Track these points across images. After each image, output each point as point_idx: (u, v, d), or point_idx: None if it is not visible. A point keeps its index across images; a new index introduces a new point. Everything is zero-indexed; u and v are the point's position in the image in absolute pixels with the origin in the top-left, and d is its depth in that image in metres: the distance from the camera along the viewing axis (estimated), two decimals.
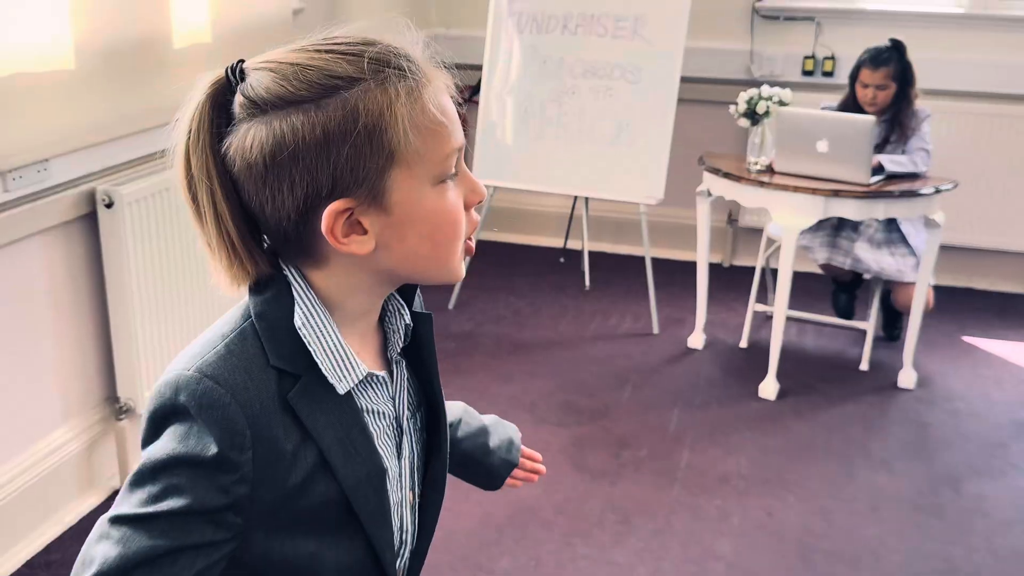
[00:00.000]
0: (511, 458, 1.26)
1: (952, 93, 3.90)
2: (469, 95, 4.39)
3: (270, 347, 0.85)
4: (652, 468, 2.78)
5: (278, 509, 0.85)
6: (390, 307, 0.96)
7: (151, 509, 0.80)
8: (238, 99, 0.83)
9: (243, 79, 0.84)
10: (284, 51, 0.85)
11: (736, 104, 3.26)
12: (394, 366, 0.96)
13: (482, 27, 4.26)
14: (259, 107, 0.82)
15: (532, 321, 3.75)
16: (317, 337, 0.87)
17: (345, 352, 0.88)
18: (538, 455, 1.33)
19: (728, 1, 4.05)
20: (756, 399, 3.19)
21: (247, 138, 0.82)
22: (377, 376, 0.93)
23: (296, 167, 0.81)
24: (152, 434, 0.84)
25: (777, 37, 4.08)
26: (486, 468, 1.24)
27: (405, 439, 0.97)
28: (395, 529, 0.96)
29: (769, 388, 3.19)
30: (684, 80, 3.54)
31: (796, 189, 3.02)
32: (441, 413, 1.00)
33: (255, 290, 0.88)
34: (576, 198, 4.08)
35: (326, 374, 0.87)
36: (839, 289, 3.61)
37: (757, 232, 4.16)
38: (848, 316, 3.61)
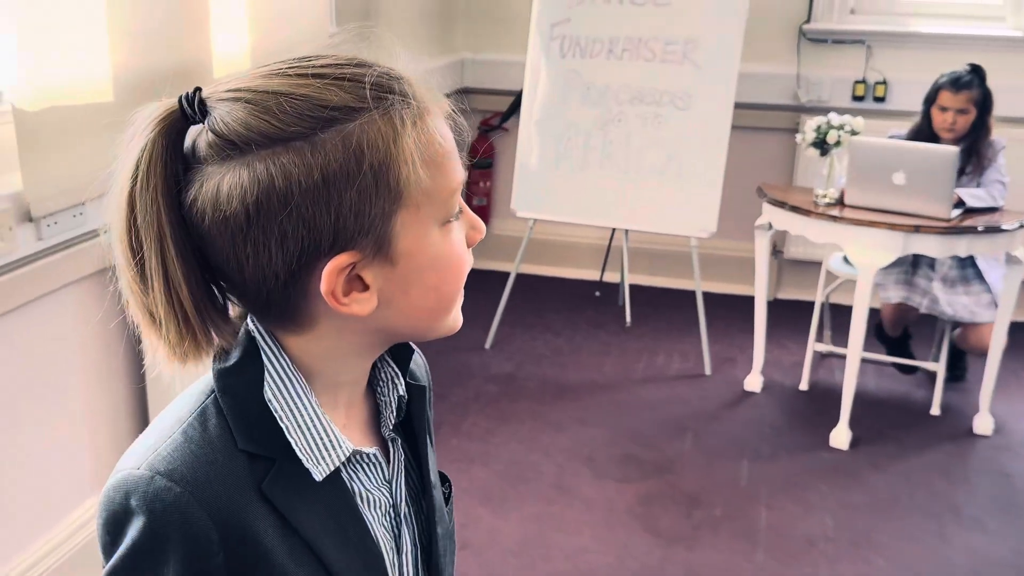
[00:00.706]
0: None
1: (1011, 120, 3.73)
2: (499, 122, 4.18)
3: (237, 427, 0.73)
4: (730, 530, 2.57)
5: None
6: (383, 374, 0.84)
7: None
8: (205, 137, 0.70)
9: (203, 111, 0.71)
10: (253, 77, 0.72)
11: (803, 133, 3.06)
12: (390, 445, 0.84)
13: (512, 51, 4.08)
14: (236, 146, 0.69)
15: (574, 361, 3.53)
16: (291, 411, 0.75)
17: (324, 428, 0.75)
18: None
19: (773, 23, 3.86)
20: (827, 449, 2.98)
21: (222, 185, 0.69)
22: (368, 455, 0.81)
23: (289, 219, 0.68)
24: (110, 544, 0.72)
25: (825, 61, 3.91)
26: None
27: (405, 530, 0.84)
28: None
29: (841, 437, 2.98)
30: None
31: (873, 224, 2.83)
32: (431, 504, 0.87)
33: (218, 358, 0.76)
34: (614, 229, 3.88)
35: (300, 455, 0.74)
36: (889, 348, 3.38)
37: (805, 264, 3.97)
38: (904, 355, 3.40)
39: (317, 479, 0.75)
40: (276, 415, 0.74)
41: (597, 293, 4.14)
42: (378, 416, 0.84)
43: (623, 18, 3.40)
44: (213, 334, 0.74)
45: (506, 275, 4.12)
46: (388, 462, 0.83)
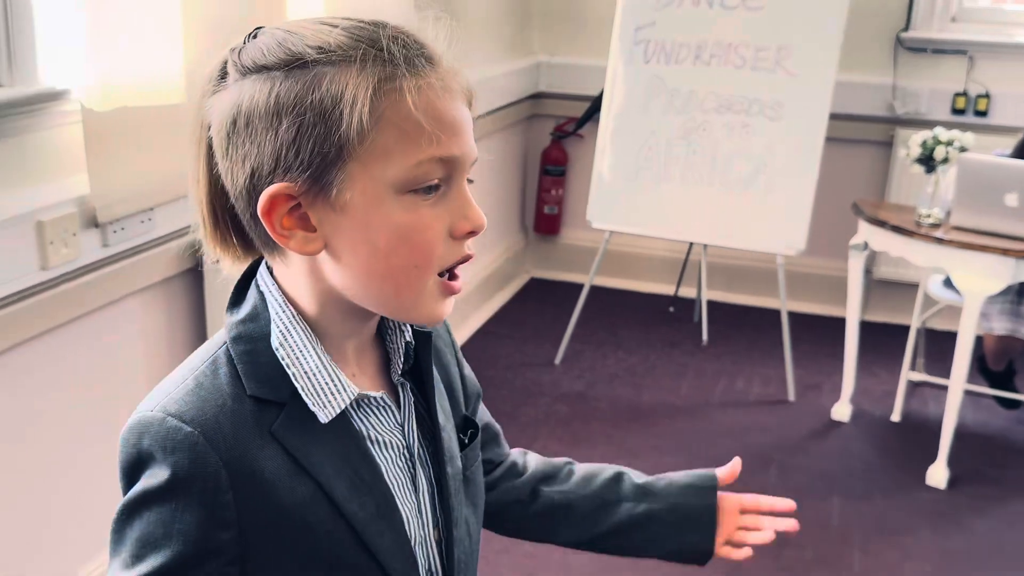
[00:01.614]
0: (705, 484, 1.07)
1: None
2: (574, 128, 4.03)
3: (247, 373, 0.77)
4: (822, 574, 2.38)
5: (277, 548, 0.77)
6: (390, 322, 0.86)
7: (133, 573, 0.75)
8: (228, 62, 0.77)
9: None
10: (303, 20, 0.79)
11: (908, 148, 2.86)
12: (400, 390, 0.86)
13: (590, 55, 3.92)
14: (240, 71, 0.76)
15: (648, 381, 3.36)
16: (297, 358, 0.78)
17: (329, 373, 0.79)
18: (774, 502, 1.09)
19: (869, 30, 3.65)
20: (924, 487, 2.78)
21: (220, 101, 0.76)
22: (376, 399, 0.83)
23: (249, 138, 0.74)
24: (127, 484, 0.77)
25: (924, 71, 3.68)
26: (658, 522, 1.03)
27: (420, 471, 0.86)
28: (422, 570, 0.85)
29: (939, 475, 2.78)
30: None
31: (984, 248, 2.62)
32: (440, 447, 0.87)
33: (233, 305, 0.81)
34: (692, 242, 3.70)
35: (306, 400, 0.78)
36: (992, 382, 3.15)
37: (897, 286, 3.75)
38: (1007, 390, 3.18)
39: (323, 421, 0.77)
40: (283, 363, 0.77)
41: (671, 309, 3.96)
42: (389, 363, 0.86)
43: (712, 22, 3.22)
44: (229, 244, 0.81)
45: (575, 287, 3.96)
46: (400, 406, 0.85)
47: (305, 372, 0.78)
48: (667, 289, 4.06)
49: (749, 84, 3.19)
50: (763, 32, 3.18)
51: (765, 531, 1.07)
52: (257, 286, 0.81)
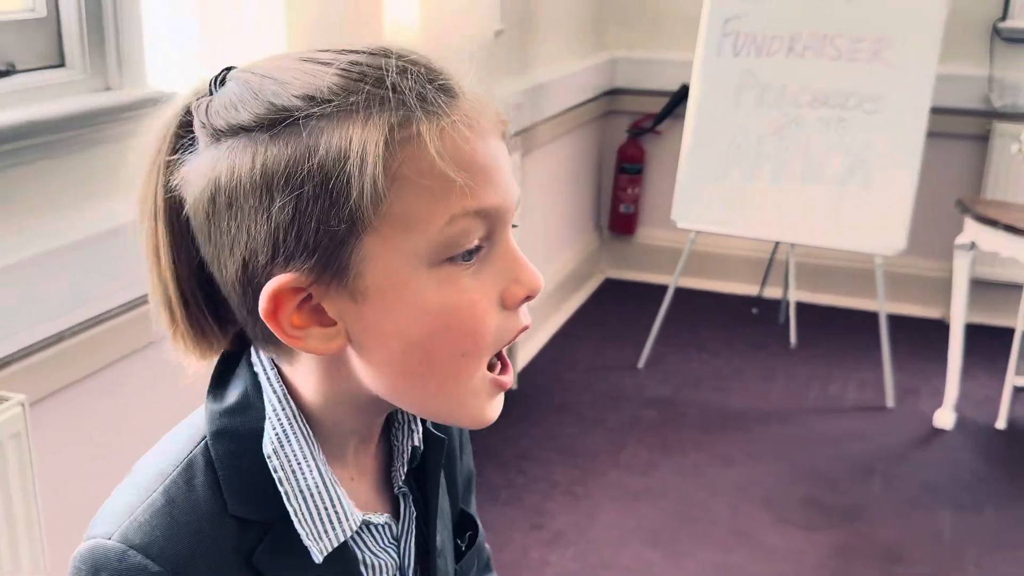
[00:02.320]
0: None
1: None
2: (652, 124, 3.93)
3: (229, 486, 0.62)
4: None
5: None
6: (399, 415, 0.72)
7: None
8: (195, 121, 0.63)
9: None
10: (285, 56, 0.63)
11: (1020, 142, 2.72)
12: (400, 500, 0.72)
13: (669, 49, 3.82)
14: (210, 134, 0.61)
15: (736, 385, 3.25)
16: (293, 472, 0.63)
17: (331, 496, 0.64)
18: None
19: (964, 20, 3.50)
20: None
21: (191, 174, 0.62)
22: (378, 525, 0.70)
23: (233, 219, 0.60)
24: None
25: (1022, 62, 3.52)
26: None
27: None
28: None
29: None
30: None
31: None
32: (432, 571, 0.73)
33: (216, 387, 0.66)
34: (778, 241, 3.58)
35: (299, 529, 0.63)
36: None
37: (1000, 286, 3.59)
38: None
39: (317, 560, 0.64)
40: (275, 476, 0.63)
41: (755, 310, 3.84)
42: (391, 463, 0.73)
43: (806, 13, 3.10)
44: (210, 333, 0.66)
45: (653, 287, 3.87)
46: (398, 519, 0.72)
47: (300, 492, 0.64)
48: (749, 289, 3.95)
49: (845, 77, 3.06)
50: (860, 23, 3.05)
51: None
52: (249, 365, 0.67)
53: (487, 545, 0.92)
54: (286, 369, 0.66)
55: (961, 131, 3.58)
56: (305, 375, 0.66)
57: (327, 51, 0.62)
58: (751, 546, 2.41)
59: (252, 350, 0.68)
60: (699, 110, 3.22)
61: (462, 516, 0.81)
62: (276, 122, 0.59)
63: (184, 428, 0.68)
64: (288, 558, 0.64)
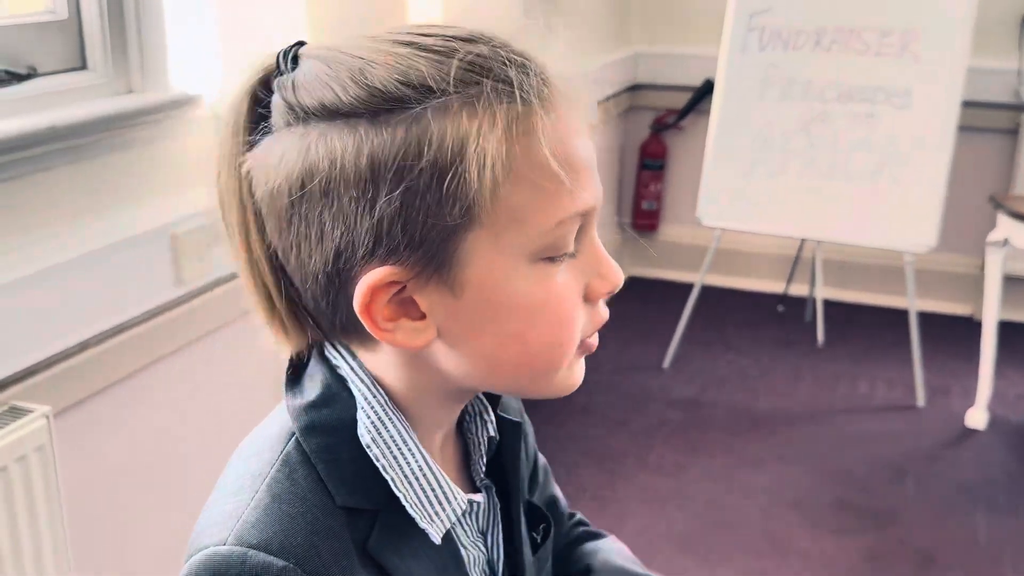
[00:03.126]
0: None
1: None
2: (675, 120, 3.88)
3: (332, 478, 0.61)
4: None
5: None
6: (470, 407, 0.72)
7: None
8: (275, 98, 0.60)
9: (295, 69, 0.60)
10: (361, 38, 0.60)
11: None
12: (485, 492, 0.72)
13: (692, 43, 3.77)
14: (296, 113, 0.58)
15: (763, 385, 3.21)
16: (395, 458, 0.62)
17: (436, 478, 0.64)
18: None
19: (992, 13, 3.43)
20: None
21: (271, 154, 0.59)
22: (475, 504, 0.70)
23: (328, 209, 0.57)
24: None
25: None
26: None
27: None
28: None
29: None
30: None
31: None
32: (520, 562, 0.73)
33: (293, 384, 0.65)
34: (804, 238, 3.53)
35: (412, 513, 0.62)
36: None
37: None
38: None
39: (436, 541, 0.63)
40: (378, 464, 0.62)
41: (780, 308, 3.79)
42: (467, 457, 0.72)
43: (833, 6, 3.05)
44: (293, 324, 0.64)
45: (677, 285, 3.83)
46: (481, 513, 0.72)
47: (406, 476, 0.63)
48: (774, 287, 3.90)
49: (873, 71, 3.01)
50: (888, 16, 2.99)
51: None
52: (324, 359, 0.65)
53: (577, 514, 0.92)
54: (367, 359, 0.65)
55: (991, 125, 3.52)
56: (387, 365, 0.64)
57: (411, 31, 0.60)
58: (783, 551, 2.37)
59: (326, 344, 0.66)
60: (724, 105, 3.17)
61: (532, 511, 0.79)
62: (382, 109, 0.57)
63: (264, 430, 0.66)
64: (402, 544, 0.63)
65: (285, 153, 0.59)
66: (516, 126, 0.57)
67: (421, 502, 0.63)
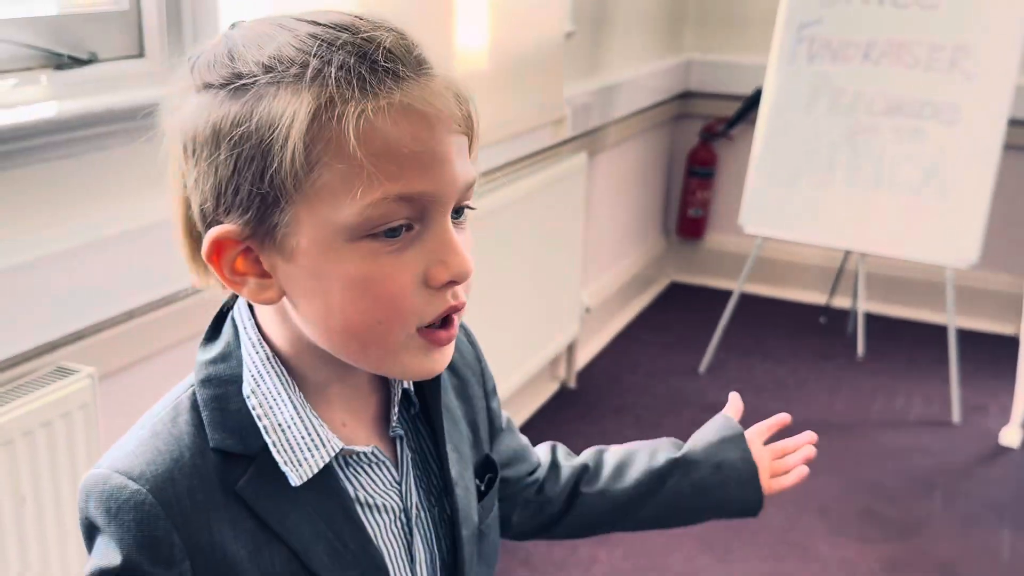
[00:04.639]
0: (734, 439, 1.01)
1: None
2: (724, 129, 3.91)
3: (212, 422, 0.67)
4: None
5: None
6: None
7: None
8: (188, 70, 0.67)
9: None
10: (286, 17, 0.66)
11: None
12: (398, 444, 0.75)
13: (744, 52, 3.80)
14: (194, 83, 0.66)
15: (799, 395, 3.22)
16: (269, 407, 0.67)
17: (306, 425, 0.68)
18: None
19: None
20: None
21: (179, 113, 0.66)
22: (367, 454, 0.72)
23: (195, 166, 0.65)
24: (88, 551, 0.68)
25: None
26: (702, 487, 0.96)
27: (418, 538, 0.75)
28: None
29: None
30: None
31: None
32: (453, 505, 0.76)
33: (207, 340, 0.71)
34: (848, 250, 3.53)
35: (277, 458, 0.67)
36: None
37: None
38: None
39: (294, 484, 0.67)
40: (254, 413, 0.68)
41: (822, 319, 3.79)
42: (389, 410, 0.75)
43: (883, 20, 3.06)
44: (201, 268, 0.69)
45: (719, 293, 3.85)
46: (399, 464, 0.75)
47: (278, 424, 0.68)
48: (817, 298, 3.90)
49: (922, 85, 3.01)
50: (938, 30, 2.99)
51: (796, 470, 1.03)
52: (232, 319, 0.72)
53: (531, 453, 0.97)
54: (259, 315, 0.71)
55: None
56: (269, 322, 0.71)
57: (304, 19, 0.66)
58: (803, 556, 2.39)
59: (238, 303, 0.73)
60: (771, 115, 3.20)
61: (485, 462, 0.84)
62: (233, 82, 0.64)
63: (180, 384, 0.73)
64: (270, 486, 0.67)
65: (182, 113, 0.67)
66: (324, 110, 0.61)
67: (288, 448, 0.67)
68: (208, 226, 0.66)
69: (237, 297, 0.73)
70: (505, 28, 2.40)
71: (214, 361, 0.70)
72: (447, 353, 0.69)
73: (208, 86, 0.65)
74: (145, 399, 1.58)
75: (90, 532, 0.68)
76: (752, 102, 3.73)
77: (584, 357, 3.36)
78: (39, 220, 1.41)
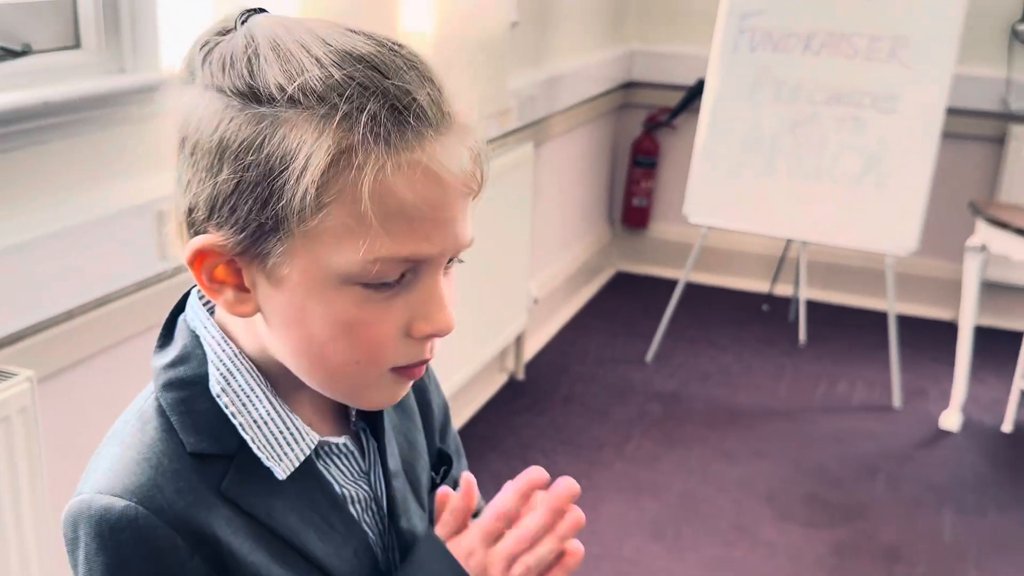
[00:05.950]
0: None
1: None
2: (667, 119, 3.93)
3: (183, 426, 0.65)
4: None
5: None
6: None
7: None
8: (199, 59, 0.64)
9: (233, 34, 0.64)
10: (315, 24, 0.64)
11: None
12: (362, 435, 0.75)
13: (686, 43, 3.82)
14: (203, 78, 0.63)
15: (744, 382, 3.26)
16: (243, 404, 0.67)
17: (283, 420, 0.67)
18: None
19: (981, 21, 3.47)
20: None
21: (181, 102, 0.64)
22: (337, 445, 0.72)
23: (192, 168, 0.63)
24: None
25: None
26: None
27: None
28: None
29: None
30: None
31: None
32: (391, 495, 0.75)
33: (160, 347, 0.69)
34: (790, 239, 3.58)
35: (259, 454, 0.66)
36: None
37: (1008, 289, 3.58)
38: None
39: (280, 478, 0.67)
40: (227, 411, 0.66)
41: (765, 307, 3.84)
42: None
43: (823, 11, 3.10)
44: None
45: (664, 281, 3.88)
46: (364, 453, 0.75)
47: (255, 421, 0.67)
48: (760, 286, 3.95)
49: (861, 75, 3.05)
50: (878, 21, 3.04)
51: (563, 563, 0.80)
52: (187, 320, 0.70)
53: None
54: (223, 317, 0.69)
55: (977, 133, 3.57)
56: (231, 323, 0.69)
57: (330, 40, 0.62)
58: (752, 541, 2.42)
59: (189, 303, 0.71)
60: (714, 105, 3.22)
61: (440, 455, 0.84)
62: (249, 98, 0.61)
63: (138, 396, 0.71)
64: (255, 484, 0.67)
65: (187, 104, 0.64)
66: (348, 153, 0.59)
67: (270, 443, 0.67)
68: (195, 232, 0.65)
69: (186, 299, 0.72)
70: (450, 17, 2.38)
71: (173, 364, 0.68)
72: (407, 386, 0.70)
73: (220, 89, 0.62)
74: (86, 401, 1.53)
75: (89, 565, 0.64)
76: (695, 92, 3.75)
77: (532, 348, 3.36)
78: None
